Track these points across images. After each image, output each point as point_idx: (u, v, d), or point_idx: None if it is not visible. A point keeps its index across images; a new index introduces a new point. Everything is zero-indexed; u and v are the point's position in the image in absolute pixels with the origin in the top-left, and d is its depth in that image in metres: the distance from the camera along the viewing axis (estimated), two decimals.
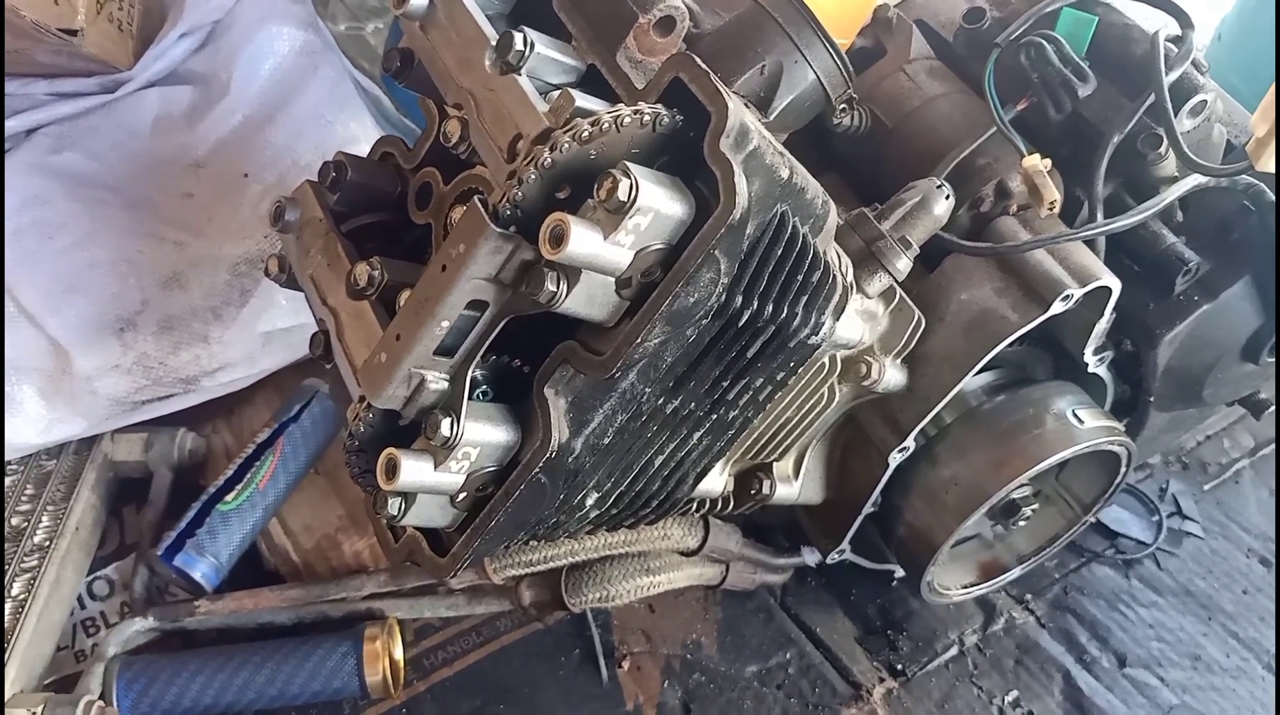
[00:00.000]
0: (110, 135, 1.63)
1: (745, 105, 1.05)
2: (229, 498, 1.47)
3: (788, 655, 1.53)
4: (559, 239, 0.83)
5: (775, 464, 1.31)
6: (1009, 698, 1.52)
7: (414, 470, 0.94)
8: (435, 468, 0.95)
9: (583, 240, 0.83)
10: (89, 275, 1.51)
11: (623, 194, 0.83)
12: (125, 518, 1.59)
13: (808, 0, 1.40)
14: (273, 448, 1.52)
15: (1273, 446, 1.87)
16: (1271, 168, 1.08)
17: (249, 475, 1.49)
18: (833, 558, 1.45)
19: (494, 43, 0.96)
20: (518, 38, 0.94)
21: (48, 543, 1.42)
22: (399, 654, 1.41)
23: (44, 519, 1.44)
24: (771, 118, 1.07)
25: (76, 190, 1.60)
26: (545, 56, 0.97)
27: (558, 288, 0.87)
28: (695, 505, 1.30)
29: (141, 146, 1.62)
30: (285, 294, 1.48)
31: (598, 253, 0.85)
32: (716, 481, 1.28)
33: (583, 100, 0.92)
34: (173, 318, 1.50)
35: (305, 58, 1.68)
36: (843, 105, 1.19)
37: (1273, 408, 1.56)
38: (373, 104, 1.79)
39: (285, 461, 1.52)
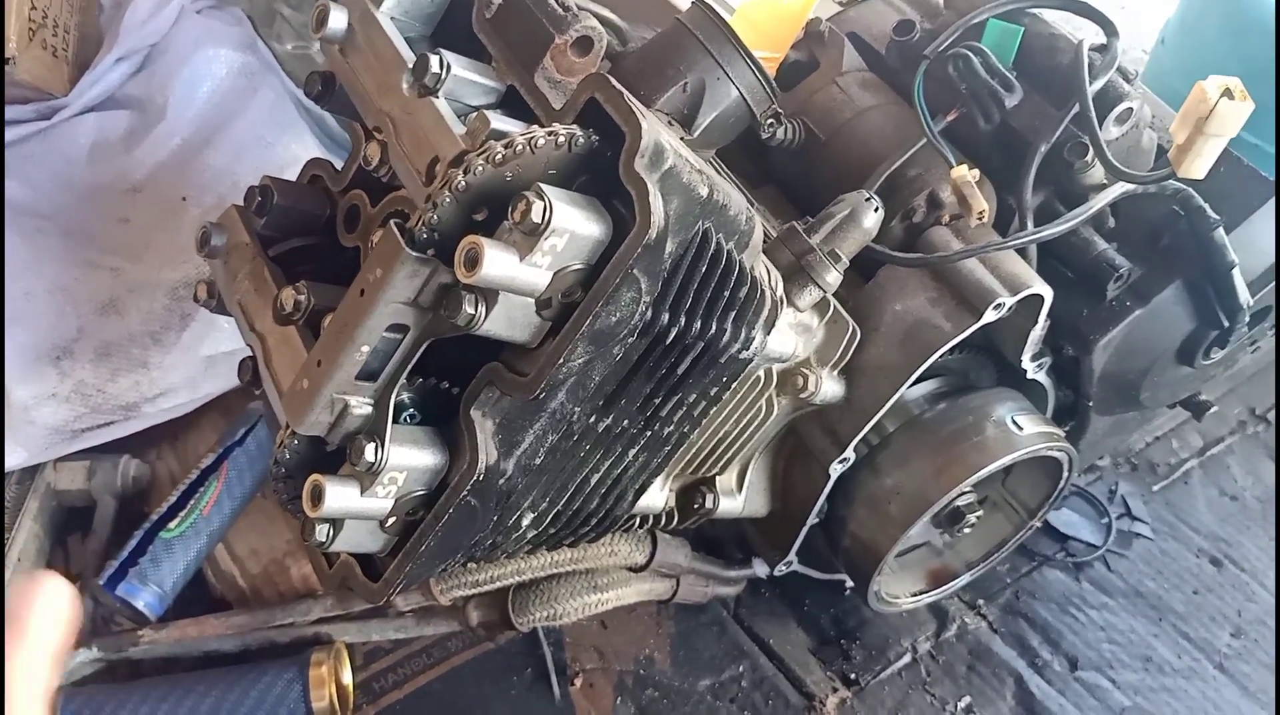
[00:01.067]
0: (47, 163, 1.62)
1: (669, 123, 1.06)
2: (172, 525, 1.46)
3: (741, 668, 1.53)
4: (474, 262, 0.82)
5: (718, 477, 1.31)
6: (961, 704, 1.53)
7: (339, 496, 0.93)
8: (361, 493, 0.94)
9: (498, 263, 0.83)
10: (25, 305, 1.49)
11: (536, 216, 0.83)
12: (70, 547, 1.57)
13: (741, 15, 1.42)
14: (217, 473, 1.50)
15: (1220, 446, 1.89)
16: (1194, 174, 1.09)
17: (192, 501, 1.48)
18: (780, 570, 1.45)
19: (411, 65, 0.96)
20: (434, 60, 0.94)
21: None
22: (347, 678, 1.40)
23: None
24: (696, 135, 1.07)
25: (14, 220, 1.58)
26: (463, 78, 0.97)
27: (476, 310, 0.86)
28: (638, 521, 1.29)
29: (78, 173, 1.61)
30: (228, 317, 1.46)
31: (514, 275, 0.85)
32: (658, 497, 1.27)
33: (499, 122, 0.91)
34: (110, 344, 1.49)
35: (244, 79, 1.68)
36: (769, 120, 1.19)
37: (1215, 409, 1.57)
38: (316, 123, 1.79)
39: (230, 486, 1.50)
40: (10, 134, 1.64)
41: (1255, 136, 1.86)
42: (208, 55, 1.68)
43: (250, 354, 1.12)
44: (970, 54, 1.24)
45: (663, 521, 1.31)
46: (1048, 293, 1.21)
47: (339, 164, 1.16)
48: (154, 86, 1.67)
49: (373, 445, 0.92)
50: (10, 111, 1.65)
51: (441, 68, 0.94)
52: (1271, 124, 1.85)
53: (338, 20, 1.03)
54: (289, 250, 1.15)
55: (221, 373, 1.54)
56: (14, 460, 1.47)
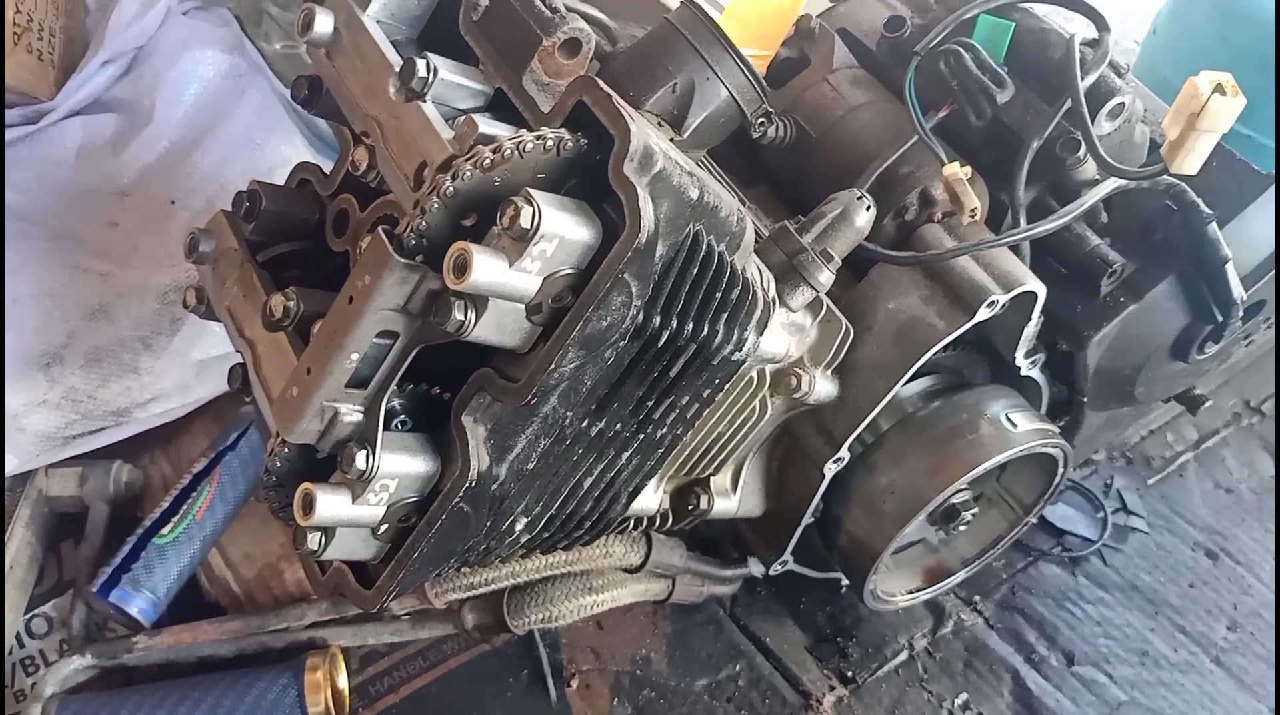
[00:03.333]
0: (33, 167, 1.61)
1: (658, 124, 1.05)
2: (165, 531, 1.45)
3: (738, 667, 1.53)
4: (462, 268, 0.82)
5: (713, 478, 1.31)
6: (959, 700, 1.53)
7: (331, 504, 0.92)
8: (353, 501, 0.93)
9: (487, 269, 0.82)
10: (13, 310, 1.48)
11: (525, 221, 0.82)
12: (63, 554, 1.56)
13: (730, 13, 1.41)
14: (210, 477, 1.50)
15: (1215, 439, 1.89)
16: (1187, 170, 1.09)
17: (185, 507, 1.47)
18: (775, 569, 1.45)
19: (398, 69, 0.95)
20: (420, 64, 0.93)
21: None
22: (343, 683, 1.39)
23: None
24: (686, 135, 1.06)
25: None
26: (451, 82, 0.96)
27: (465, 317, 0.86)
28: (633, 523, 1.29)
29: (65, 177, 1.59)
30: (218, 322, 1.46)
31: (503, 281, 0.84)
32: (652, 499, 1.27)
33: (487, 126, 0.91)
34: (100, 350, 1.48)
35: (231, 81, 1.67)
36: (760, 119, 1.18)
37: (1209, 402, 1.57)
38: (306, 125, 1.78)
39: (223, 491, 1.50)
40: None
41: (1248, 128, 1.86)
42: (195, 57, 1.66)
43: (240, 360, 1.11)
44: (961, 50, 1.23)
45: (657, 523, 1.30)
46: (1041, 289, 1.21)
47: (328, 167, 1.15)
48: (141, 89, 1.66)
49: (364, 452, 0.91)
50: None
51: (429, 71, 0.94)
52: (1264, 115, 1.85)
53: (323, 24, 1.02)
54: (278, 256, 1.14)
55: (213, 377, 1.53)
56: (5, 467, 1.46)
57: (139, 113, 1.65)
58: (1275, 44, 1.80)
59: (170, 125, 1.64)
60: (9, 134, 1.61)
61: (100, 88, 1.66)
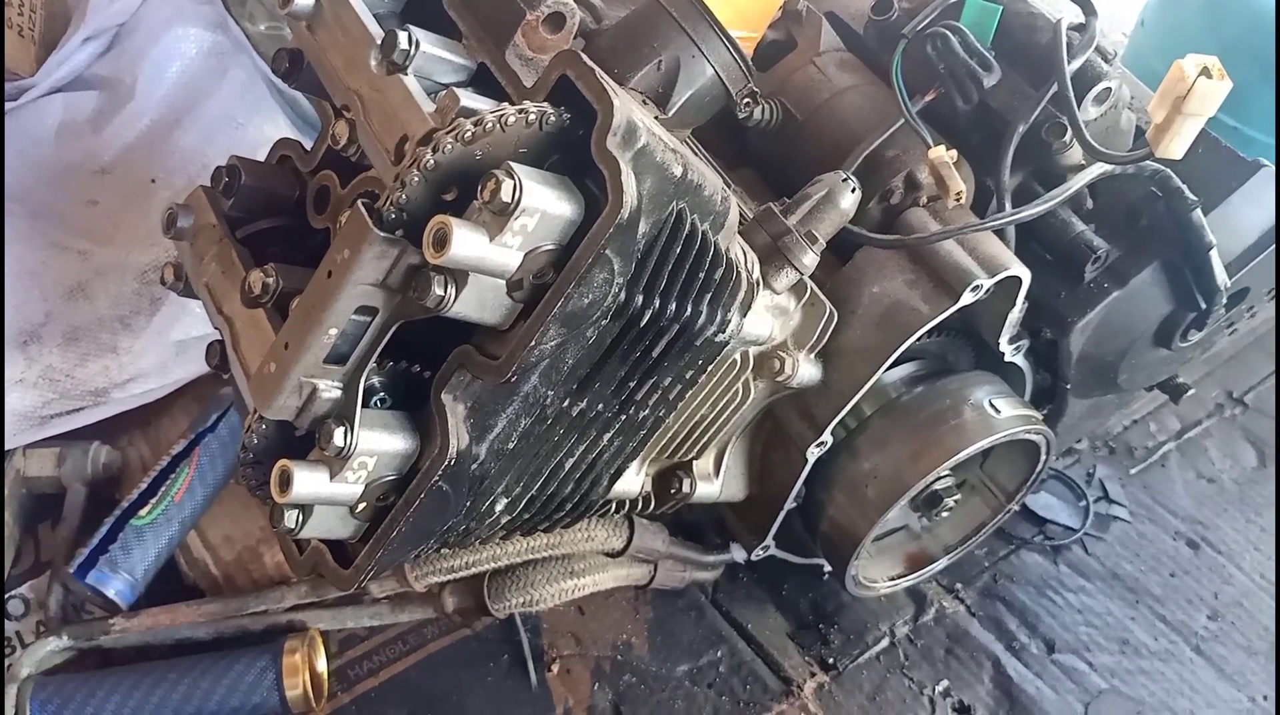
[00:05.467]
0: (14, 143, 1.59)
1: (643, 102, 1.04)
2: (143, 512, 1.44)
3: (719, 653, 1.53)
4: (442, 242, 0.81)
5: (695, 462, 1.30)
6: (939, 687, 1.53)
7: (308, 481, 0.91)
8: (331, 478, 0.92)
9: (467, 243, 0.82)
10: None
11: (506, 195, 0.81)
12: (40, 535, 1.55)
13: None
14: (188, 459, 1.49)
15: (1198, 429, 1.90)
16: (1172, 153, 1.09)
17: (163, 488, 1.46)
18: (758, 554, 1.44)
19: (379, 42, 0.94)
20: (402, 37, 0.92)
21: None
22: (321, 666, 1.38)
23: None
24: (671, 114, 1.05)
25: None
26: (433, 55, 0.95)
27: (445, 292, 0.85)
28: (614, 506, 1.28)
29: (45, 154, 1.58)
30: (199, 301, 1.44)
31: (484, 255, 0.83)
32: (634, 482, 1.26)
33: (469, 99, 0.90)
34: (79, 329, 1.46)
35: (214, 59, 1.65)
36: (745, 99, 1.18)
37: (1192, 391, 1.57)
38: (289, 104, 1.76)
39: (202, 473, 1.49)
40: None
41: (1235, 119, 1.86)
42: (177, 34, 1.65)
43: (219, 338, 1.10)
44: (949, 33, 1.22)
45: (639, 506, 1.30)
46: (1026, 274, 1.21)
47: (309, 145, 1.14)
48: (123, 66, 1.64)
49: (342, 429, 0.90)
50: None
51: (410, 44, 0.93)
52: (1252, 107, 1.86)
53: None
54: (257, 232, 1.13)
55: (193, 358, 1.52)
56: None
57: (120, 90, 1.63)
58: (1275, 41, 1.80)
59: (152, 103, 1.63)
60: None
61: (81, 65, 1.65)
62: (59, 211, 1.56)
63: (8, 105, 1.61)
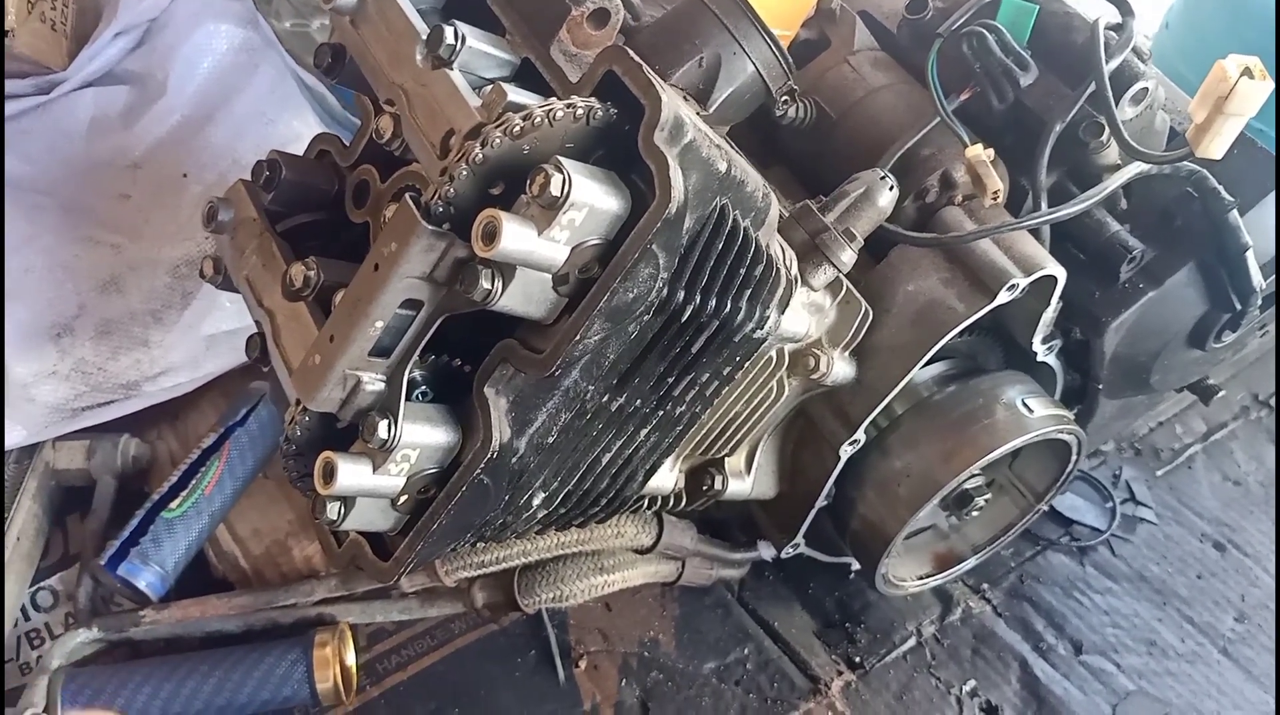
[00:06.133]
0: (45, 138, 1.59)
1: (684, 98, 1.04)
2: (173, 505, 1.44)
3: (746, 650, 1.53)
4: (491, 236, 0.81)
5: (727, 459, 1.30)
6: (966, 687, 1.52)
7: (352, 473, 0.92)
8: (374, 471, 0.93)
9: (516, 237, 0.82)
10: (24, 281, 1.48)
11: (555, 189, 0.81)
12: (69, 527, 1.56)
13: None
14: (218, 453, 1.49)
15: (1224, 431, 1.89)
16: (1212, 154, 1.09)
17: (194, 481, 1.46)
18: (787, 552, 1.44)
19: (425, 37, 0.94)
20: (448, 31, 0.93)
21: None
22: (350, 660, 1.39)
23: None
24: (711, 110, 1.06)
25: (13, 195, 1.56)
26: (478, 50, 0.96)
27: (492, 285, 0.85)
28: (647, 503, 1.29)
29: (77, 148, 1.58)
30: (229, 295, 1.45)
31: (532, 249, 0.84)
32: (667, 478, 1.27)
33: (515, 94, 0.90)
34: (111, 322, 1.47)
35: (245, 55, 1.65)
36: (784, 97, 1.18)
37: (1222, 393, 1.57)
38: (317, 101, 1.77)
39: (232, 466, 1.49)
40: (9, 108, 1.61)
41: (1260, 121, 1.86)
42: (208, 30, 1.65)
43: (257, 330, 1.11)
44: (985, 32, 1.22)
45: (671, 503, 1.30)
46: (1061, 274, 1.21)
47: (345, 140, 1.15)
48: (154, 62, 1.65)
49: (385, 422, 0.91)
50: (8, 85, 1.62)
51: (456, 39, 0.93)
52: (1272, 108, 1.85)
53: None
54: (296, 226, 1.13)
55: (223, 352, 1.53)
56: (13, 438, 1.45)
57: (151, 85, 1.63)
58: (1275, 42, 1.79)
59: (183, 98, 1.63)
60: (21, 104, 1.60)
61: (113, 59, 1.65)
62: (91, 205, 1.56)
63: (39, 100, 1.62)
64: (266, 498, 1.52)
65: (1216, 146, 1.07)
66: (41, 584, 1.48)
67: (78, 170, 1.58)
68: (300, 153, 1.18)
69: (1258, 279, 1.28)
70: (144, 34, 1.68)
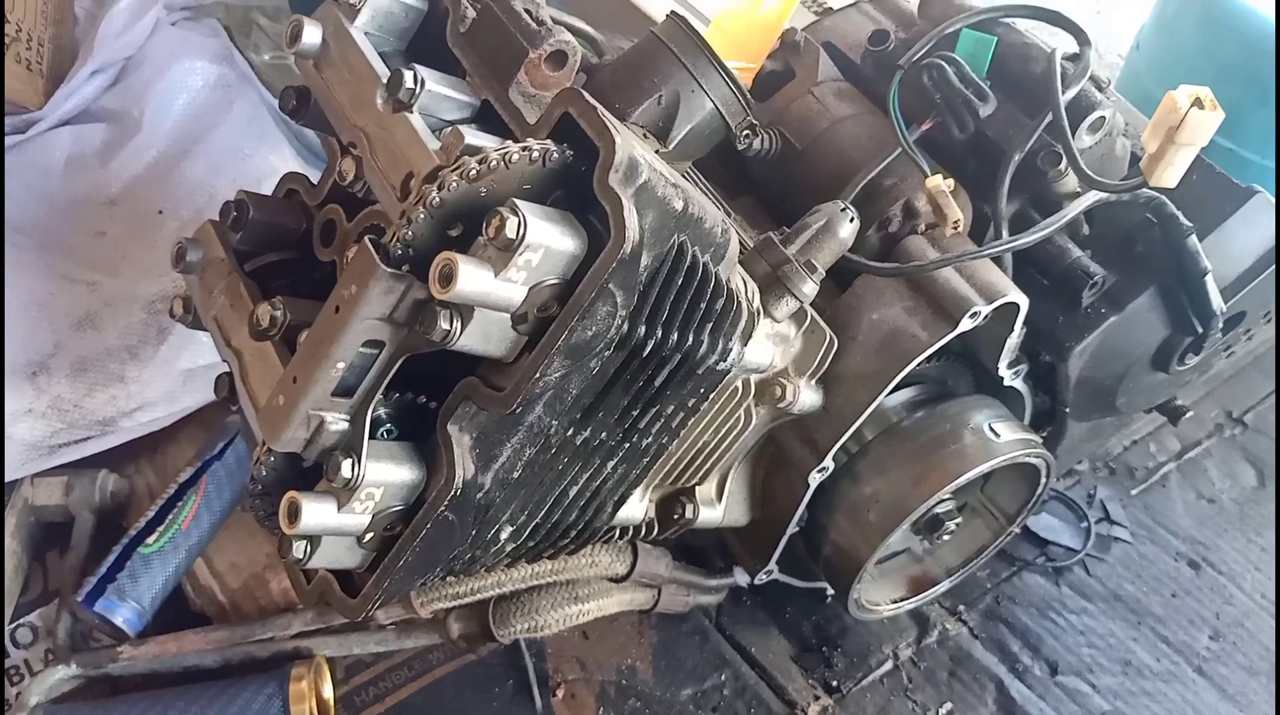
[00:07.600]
0: (22, 176, 1.61)
1: (644, 135, 1.06)
2: (150, 540, 1.45)
3: (723, 676, 1.53)
4: (448, 278, 0.82)
5: (698, 488, 1.31)
6: (943, 710, 1.53)
7: (316, 513, 0.93)
8: (339, 509, 0.94)
9: (472, 278, 0.83)
10: None
11: (511, 231, 0.83)
12: (48, 563, 1.56)
13: (716, 25, 1.42)
14: (195, 487, 1.50)
15: (1197, 449, 1.91)
16: (1166, 182, 1.10)
17: (171, 516, 1.47)
18: (761, 578, 1.45)
19: (385, 81, 0.96)
20: (408, 75, 0.94)
21: None
22: (328, 693, 1.39)
23: None
24: (671, 147, 1.07)
25: None
26: (437, 93, 0.97)
27: (451, 326, 0.86)
28: (618, 532, 1.29)
29: (54, 186, 1.60)
30: (205, 331, 1.46)
31: (489, 290, 0.85)
32: (637, 508, 1.27)
33: (473, 137, 0.92)
34: (87, 359, 1.48)
35: (220, 91, 1.67)
36: (745, 131, 1.19)
37: (1190, 413, 1.58)
38: (295, 135, 1.78)
39: (209, 500, 1.50)
40: None
41: (1230, 141, 1.88)
42: (184, 67, 1.67)
43: (227, 369, 1.12)
44: (944, 63, 1.24)
45: (643, 532, 1.31)
46: (1023, 301, 1.22)
47: (316, 177, 1.16)
48: (130, 99, 1.66)
49: (349, 461, 0.92)
50: None
51: (416, 83, 0.94)
52: (1247, 128, 1.87)
53: (311, 35, 1.03)
54: (265, 265, 1.15)
55: (200, 387, 1.53)
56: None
57: (128, 122, 1.65)
58: (1276, 65, 1.81)
59: (159, 135, 1.65)
60: None
61: (89, 97, 1.67)
62: (67, 243, 1.58)
63: (16, 139, 1.63)
64: (244, 531, 1.53)
65: (1169, 176, 1.09)
66: (21, 620, 1.48)
67: (54, 208, 1.59)
68: (273, 188, 1.19)
69: (1218, 302, 1.29)
70: (120, 72, 1.69)
